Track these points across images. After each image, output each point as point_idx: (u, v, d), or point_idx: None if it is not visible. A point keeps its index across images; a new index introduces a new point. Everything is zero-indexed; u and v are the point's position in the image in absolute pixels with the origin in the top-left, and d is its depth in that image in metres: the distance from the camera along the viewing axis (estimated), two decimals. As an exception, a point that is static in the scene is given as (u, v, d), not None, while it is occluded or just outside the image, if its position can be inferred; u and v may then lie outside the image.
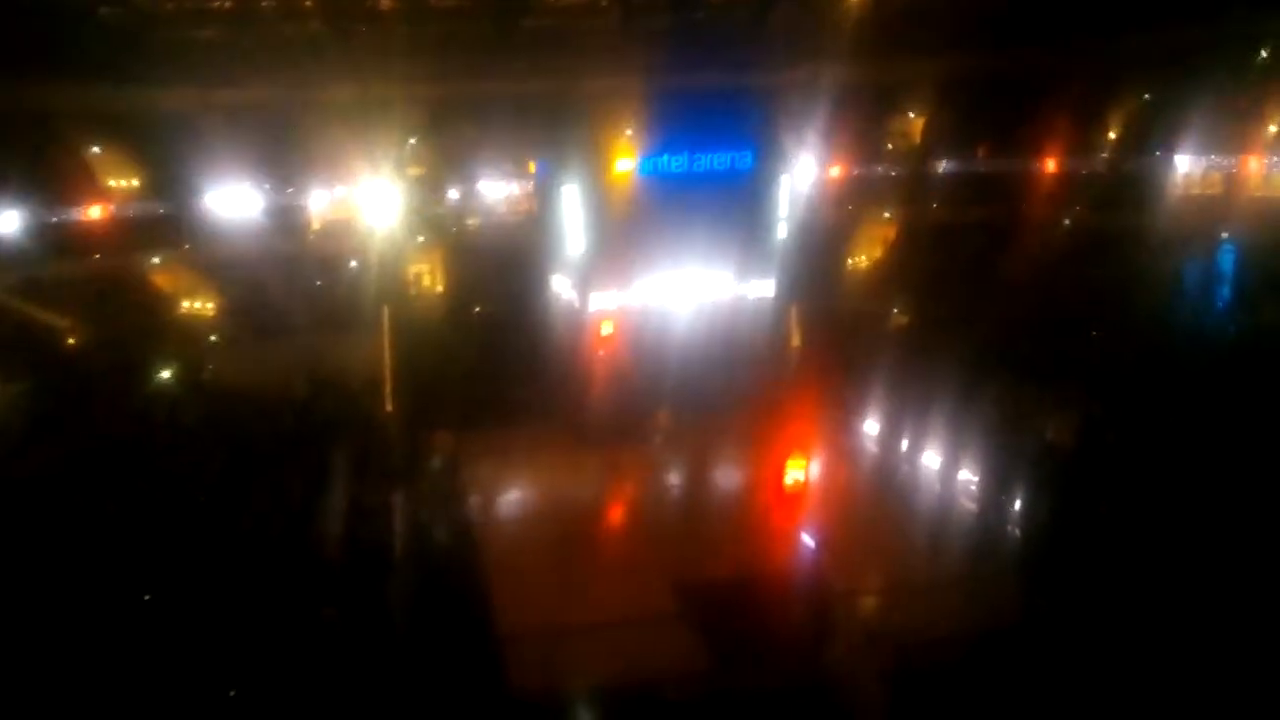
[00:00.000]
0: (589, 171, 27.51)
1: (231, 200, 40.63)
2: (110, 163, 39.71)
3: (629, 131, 28.08)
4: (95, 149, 39.50)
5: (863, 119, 43.57)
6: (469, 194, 44.63)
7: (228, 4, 39.35)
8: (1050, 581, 18.63)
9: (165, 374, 29.56)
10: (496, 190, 44.80)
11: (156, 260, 38.99)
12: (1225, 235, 33.93)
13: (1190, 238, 35.07)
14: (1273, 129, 35.54)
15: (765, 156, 28.64)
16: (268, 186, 41.68)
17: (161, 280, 38.84)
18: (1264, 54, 34.65)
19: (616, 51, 39.11)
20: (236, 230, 40.22)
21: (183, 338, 33.88)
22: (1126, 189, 39.59)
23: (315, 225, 43.36)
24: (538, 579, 19.62)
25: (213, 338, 35.31)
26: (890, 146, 46.44)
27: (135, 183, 39.97)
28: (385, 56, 37.80)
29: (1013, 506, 21.37)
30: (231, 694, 14.98)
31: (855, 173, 44.32)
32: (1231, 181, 37.21)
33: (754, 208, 28.44)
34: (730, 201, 27.95)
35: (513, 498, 25.04)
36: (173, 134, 39.15)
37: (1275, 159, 35.55)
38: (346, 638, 16.52)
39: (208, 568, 17.81)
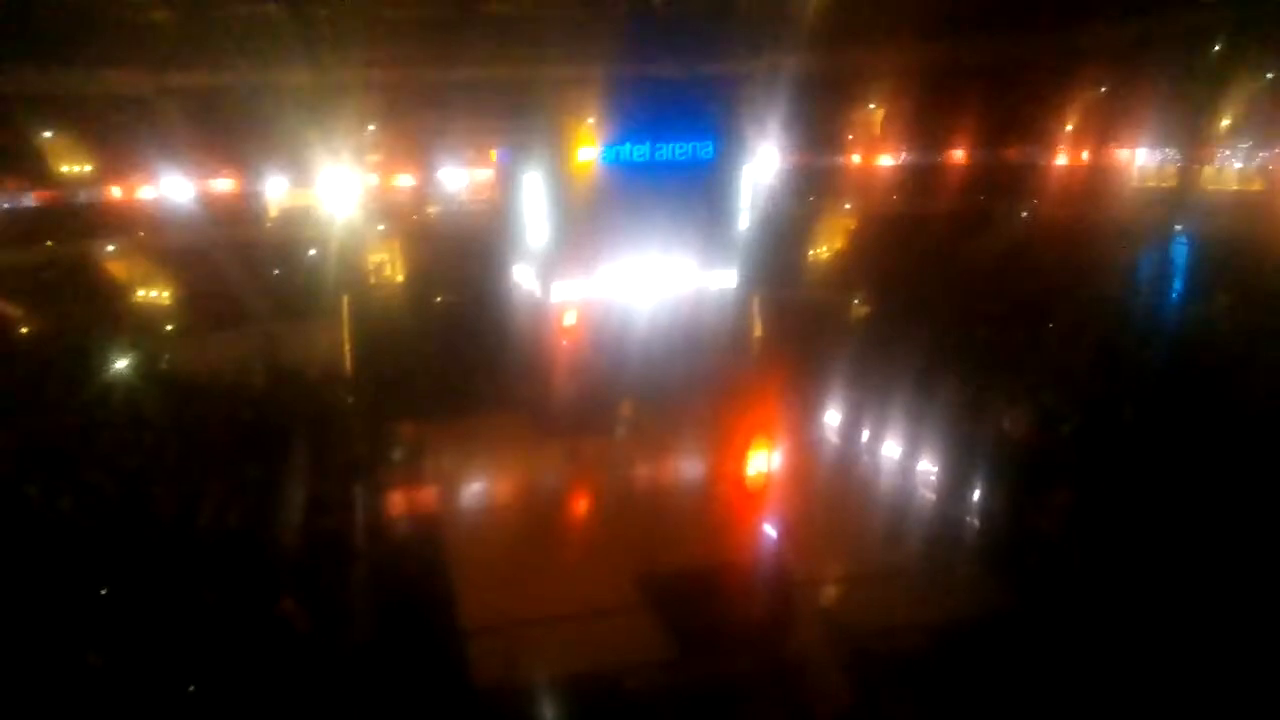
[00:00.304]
0: (551, 160, 27.42)
1: (188, 187, 40.08)
2: (63, 147, 39.01)
3: (591, 120, 28.03)
4: (47, 133, 38.75)
5: (824, 109, 43.83)
6: (430, 181, 44.37)
7: (182, -13, 38.75)
8: (1010, 571, 18.93)
9: (120, 364, 29.08)
10: (458, 178, 44.57)
11: (111, 247, 38.36)
12: (1179, 227, 34.47)
13: (1146, 229, 35.56)
14: (1225, 123, 36.11)
15: (727, 146, 28.67)
16: (225, 173, 41.18)
17: (116, 268, 38.25)
18: (1217, 48, 35.10)
19: (579, 40, 38.97)
20: (193, 217, 39.71)
21: (138, 327, 33.32)
22: (1084, 181, 40.13)
23: (273, 212, 42.92)
24: (500, 571, 19.57)
25: (169, 327, 34.78)
26: (851, 137, 46.76)
27: (89, 168, 39.29)
28: (344, 41, 37.45)
29: (972, 496, 21.59)
30: (190, 689, 14.78)
31: (817, 163, 44.60)
32: (1186, 174, 37.81)
33: (716, 197, 28.49)
34: (692, 191, 27.99)
35: (475, 489, 24.95)
36: (127, 118, 38.56)
37: (1228, 153, 36.16)
38: (306, 631, 16.35)
39: (164, 561, 17.53)
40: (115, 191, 39.53)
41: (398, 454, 24.50)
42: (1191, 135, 36.81)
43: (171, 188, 39.76)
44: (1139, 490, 19.21)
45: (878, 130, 46.77)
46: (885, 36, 40.59)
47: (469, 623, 17.76)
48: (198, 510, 19.40)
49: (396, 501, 22.43)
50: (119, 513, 19.35)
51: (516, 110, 36.86)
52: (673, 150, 27.51)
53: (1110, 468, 20.25)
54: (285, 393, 28.88)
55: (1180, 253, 33.16)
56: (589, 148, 26.83)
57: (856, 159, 45.88)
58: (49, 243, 36.91)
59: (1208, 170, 36.95)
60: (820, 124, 44.27)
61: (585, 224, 27.12)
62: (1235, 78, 34.88)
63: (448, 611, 18.12)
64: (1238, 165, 36.52)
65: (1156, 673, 14.54)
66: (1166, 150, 38.48)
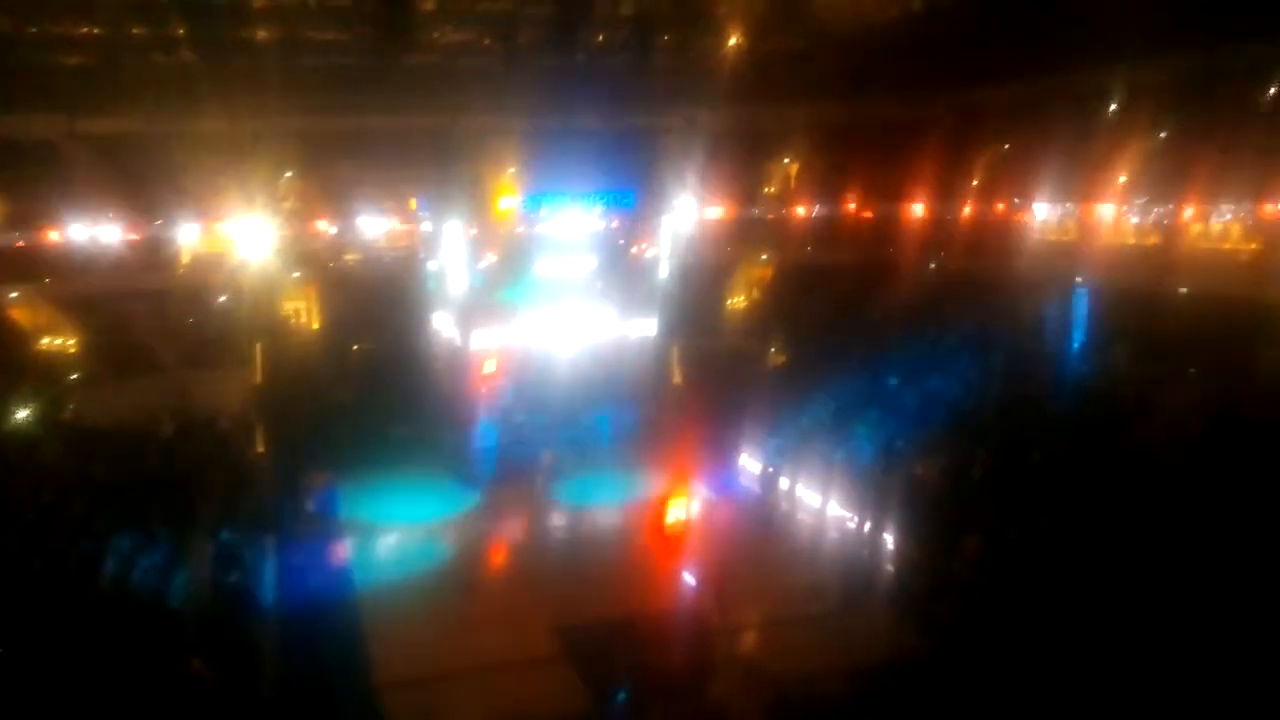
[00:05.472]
0: (471, 209, 27.54)
1: (97, 232, 39.11)
2: (-36, 192, 37.79)
3: (511, 170, 28.22)
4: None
5: (741, 163, 44.67)
6: (348, 229, 43.96)
7: (95, 31, 38.02)
8: (927, 616, 19.29)
9: (22, 413, 28.13)
10: (376, 225, 44.25)
11: (14, 295, 37.17)
12: (1079, 280, 35.70)
13: (1047, 281, 36.80)
14: (1123, 179, 37.58)
15: (647, 197, 29.16)
16: (136, 219, 40.26)
17: (19, 315, 37.03)
18: (1115, 106, 36.58)
19: (499, 90, 39.18)
20: (102, 264, 38.71)
21: (42, 376, 32.26)
22: (988, 235, 41.49)
23: (185, 259, 42.05)
24: (417, 625, 19.39)
25: (74, 375, 33.70)
26: (767, 190, 47.70)
27: (-9, 213, 38.12)
28: (261, 89, 37.05)
29: (889, 541, 22.00)
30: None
31: (734, 215, 45.36)
32: (1085, 229, 39.24)
33: (635, 247, 28.91)
34: (612, 241, 28.40)
35: (390, 540, 24.56)
36: (36, 163, 37.58)
37: (1125, 207, 37.61)
38: (215, 691, 15.89)
39: (64, 618, 16.92)
40: (20, 237, 38.32)
41: (310, 505, 24.05)
42: (1090, 191, 38.22)
43: (80, 234, 38.73)
44: (1049, 534, 19.79)
45: (793, 184, 47.76)
46: (799, 94, 41.59)
47: (384, 678, 17.46)
48: (99, 564, 18.78)
49: (309, 554, 21.97)
50: (15, 566, 18.64)
51: (437, 159, 36.77)
52: (593, 200, 27.87)
53: (1020, 510, 20.82)
54: (194, 443, 28.23)
55: (1079, 303, 34.36)
56: (509, 197, 27.02)
57: (772, 211, 46.76)
58: (-53, 290, 35.61)
59: (1106, 224, 38.35)
60: (738, 177, 45.04)
61: (505, 272, 27.26)
62: (1132, 136, 36.32)
63: (362, 667, 17.80)
64: (1135, 220, 37.95)
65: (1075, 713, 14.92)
66: (1067, 205, 39.96)
